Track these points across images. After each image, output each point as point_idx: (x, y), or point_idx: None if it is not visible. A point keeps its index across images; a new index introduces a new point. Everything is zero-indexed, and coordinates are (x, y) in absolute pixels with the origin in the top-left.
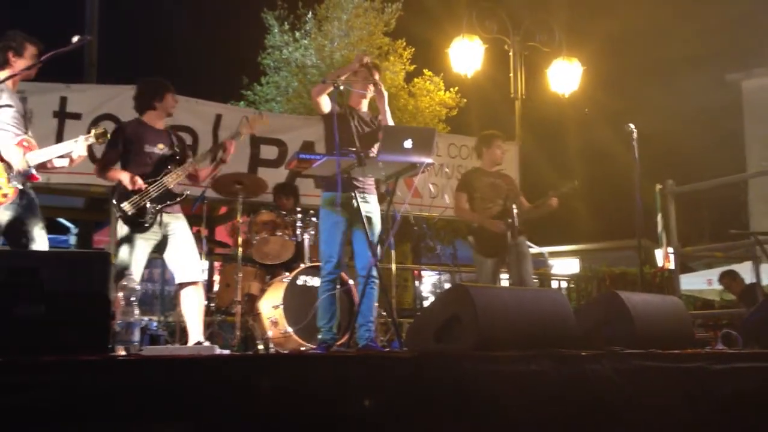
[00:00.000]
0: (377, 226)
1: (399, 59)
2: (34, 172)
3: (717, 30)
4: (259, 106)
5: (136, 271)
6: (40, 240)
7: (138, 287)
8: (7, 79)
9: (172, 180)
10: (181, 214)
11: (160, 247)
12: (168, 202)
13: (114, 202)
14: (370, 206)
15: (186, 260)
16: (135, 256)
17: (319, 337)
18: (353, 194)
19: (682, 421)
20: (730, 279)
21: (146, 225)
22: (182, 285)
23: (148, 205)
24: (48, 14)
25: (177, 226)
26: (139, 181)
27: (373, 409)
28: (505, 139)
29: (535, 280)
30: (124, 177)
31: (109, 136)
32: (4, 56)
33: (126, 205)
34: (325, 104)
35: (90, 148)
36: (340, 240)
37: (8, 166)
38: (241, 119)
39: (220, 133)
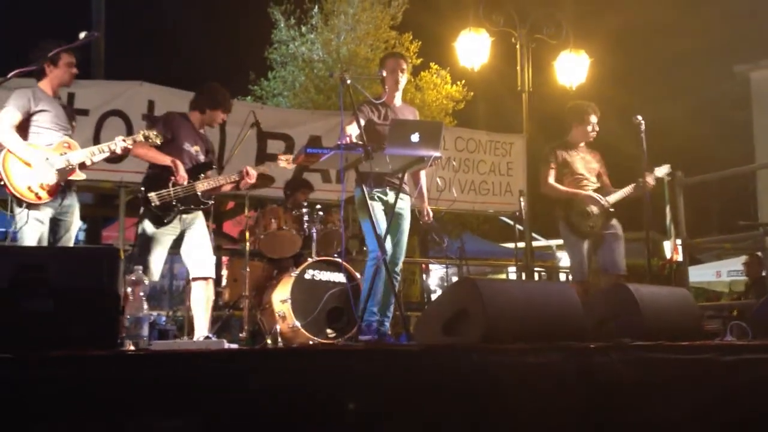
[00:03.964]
0: (405, 223)
1: (406, 53)
2: (76, 169)
3: (724, 22)
4: (266, 101)
5: (156, 267)
6: (66, 242)
7: (147, 282)
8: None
9: (203, 187)
10: (200, 211)
11: (178, 241)
12: (192, 206)
13: (143, 189)
14: (403, 203)
15: (202, 256)
16: (155, 251)
17: (364, 319)
18: (386, 191)
19: (691, 413)
20: (754, 260)
21: (165, 221)
22: (194, 279)
23: (173, 202)
24: (55, 11)
25: (195, 222)
26: (184, 174)
27: (378, 405)
28: (599, 113)
29: (543, 273)
30: (177, 164)
31: (159, 139)
32: (41, 67)
33: (153, 196)
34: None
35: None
36: (382, 231)
37: (50, 165)
38: (248, 114)
39: (227, 129)
